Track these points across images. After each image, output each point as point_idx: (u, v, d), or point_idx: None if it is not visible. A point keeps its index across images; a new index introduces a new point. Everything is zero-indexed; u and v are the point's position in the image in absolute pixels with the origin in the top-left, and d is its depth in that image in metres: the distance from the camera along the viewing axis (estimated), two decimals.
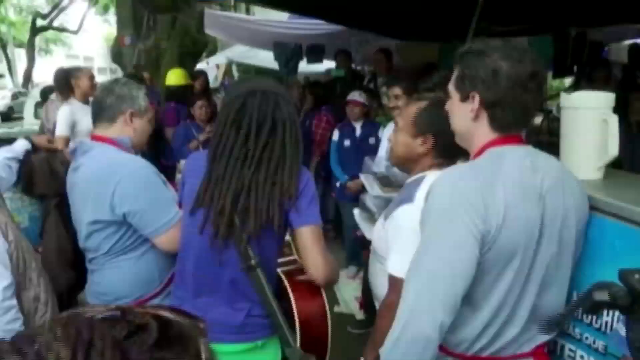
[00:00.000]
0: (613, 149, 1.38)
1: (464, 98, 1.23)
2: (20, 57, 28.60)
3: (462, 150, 1.53)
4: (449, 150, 1.55)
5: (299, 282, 1.49)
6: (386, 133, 3.27)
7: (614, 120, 1.37)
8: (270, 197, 1.41)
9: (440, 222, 1.15)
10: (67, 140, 3.50)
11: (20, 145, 2.20)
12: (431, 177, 1.53)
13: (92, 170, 1.74)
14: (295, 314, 1.46)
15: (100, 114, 1.84)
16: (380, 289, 1.61)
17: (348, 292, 3.99)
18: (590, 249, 1.27)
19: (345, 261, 4.38)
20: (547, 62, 5.69)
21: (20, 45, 28.55)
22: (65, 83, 3.62)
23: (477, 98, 1.20)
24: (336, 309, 3.83)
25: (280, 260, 1.59)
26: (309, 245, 1.43)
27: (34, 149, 2.24)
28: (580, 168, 1.41)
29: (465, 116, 1.24)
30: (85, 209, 1.77)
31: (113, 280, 1.80)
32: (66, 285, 2.19)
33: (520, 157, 1.20)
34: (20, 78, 26.54)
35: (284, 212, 1.43)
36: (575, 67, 5.58)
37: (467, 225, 1.10)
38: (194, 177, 1.49)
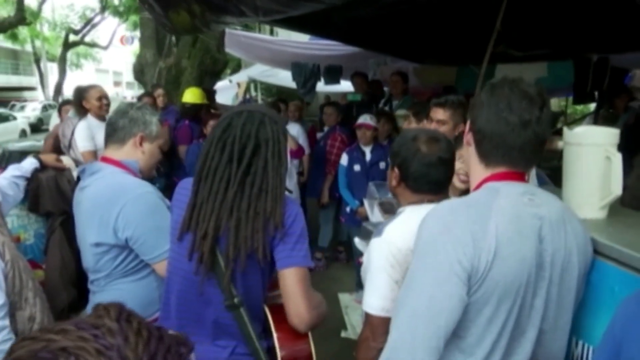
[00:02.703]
0: (617, 188, 1.32)
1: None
2: (52, 70, 29.61)
3: (434, 188, 1.52)
4: (416, 185, 1.52)
5: (285, 320, 1.41)
6: None
7: (617, 158, 1.31)
8: (254, 226, 1.35)
9: (424, 257, 1.11)
10: (94, 154, 3.58)
11: (29, 164, 2.23)
12: (407, 213, 1.52)
13: (99, 192, 1.76)
14: (279, 357, 1.40)
15: (112, 135, 1.86)
16: None
17: (356, 317, 3.92)
18: (589, 292, 1.22)
19: (355, 285, 4.32)
20: (567, 88, 5.61)
21: (52, 60, 29.56)
22: (79, 101, 3.70)
23: (468, 123, 1.23)
24: (343, 334, 3.77)
25: (275, 292, 1.53)
26: (292, 290, 1.35)
27: (42, 166, 2.27)
28: (583, 207, 1.36)
29: (465, 143, 1.26)
30: (89, 230, 1.77)
31: None
32: (68, 304, 2.21)
33: (517, 193, 1.16)
34: (51, 91, 27.40)
35: (270, 245, 1.38)
36: (596, 93, 5.47)
37: (451, 261, 1.06)
38: (180, 208, 1.46)
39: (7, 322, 1.57)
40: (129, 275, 1.77)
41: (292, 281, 1.36)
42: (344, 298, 4.32)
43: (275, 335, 1.42)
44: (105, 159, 1.84)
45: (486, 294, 1.08)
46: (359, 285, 4.25)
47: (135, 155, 1.85)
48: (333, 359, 3.16)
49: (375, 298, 1.41)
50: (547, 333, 1.14)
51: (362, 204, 4.08)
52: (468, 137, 1.23)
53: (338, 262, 5.16)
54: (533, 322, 1.13)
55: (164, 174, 4.43)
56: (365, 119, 4.12)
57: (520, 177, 1.20)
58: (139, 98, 4.94)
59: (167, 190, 4.32)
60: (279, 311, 1.44)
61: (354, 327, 3.83)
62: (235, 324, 1.40)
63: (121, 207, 1.67)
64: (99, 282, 1.81)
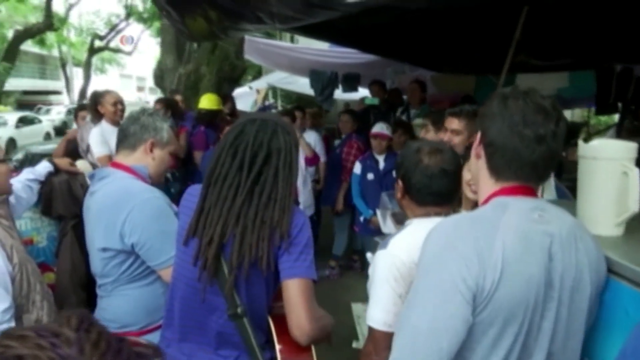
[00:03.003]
0: (634, 204, 1.27)
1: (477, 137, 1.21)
2: (77, 75, 30.23)
3: (437, 200, 1.49)
4: (419, 197, 1.51)
5: (289, 332, 1.38)
6: None
7: (635, 173, 1.26)
8: (260, 235, 1.34)
9: (427, 274, 1.07)
10: (109, 158, 3.62)
11: (43, 167, 2.27)
12: (413, 225, 1.50)
13: (106, 197, 1.77)
14: None
15: (123, 141, 1.87)
16: None
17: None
18: (602, 313, 1.16)
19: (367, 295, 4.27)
20: (589, 98, 5.49)
21: (78, 65, 30.20)
22: (96, 106, 3.75)
23: (479, 135, 1.17)
24: (354, 344, 3.70)
25: (281, 303, 1.51)
26: (294, 301, 1.33)
27: (56, 170, 2.30)
28: (597, 223, 1.30)
29: (474, 156, 1.21)
30: (97, 235, 1.79)
31: (120, 308, 1.80)
32: (77, 306, 2.22)
33: (527, 209, 1.11)
34: (76, 95, 27.97)
35: (274, 255, 1.36)
36: (619, 104, 5.34)
37: (455, 280, 1.02)
38: (187, 215, 1.45)
39: (12, 324, 1.58)
40: (136, 281, 1.77)
41: (294, 292, 1.34)
42: (357, 308, 4.25)
43: (277, 347, 1.40)
44: (115, 164, 1.85)
45: (492, 314, 1.03)
46: None
47: (146, 161, 1.86)
48: None
49: (377, 311, 1.39)
50: (555, 355, 1.09)
51: (375, 213, 4.06)
52: (478, 150, 1.19)
53: (352, 271, 5.11)
54: (541, 345, 1.08)
55: (180, 179, 4.46)
56: (382, 128, 4.08)
57: (531, 192, 1.16)
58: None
59: (182, 196, 4.35)
60: (283, 322, 1.42)
61: (365, 338, 3.78)
62: (238, 333, 1.38)
63: (128, 212, 1.68)
64: (106, 287, 1.81)
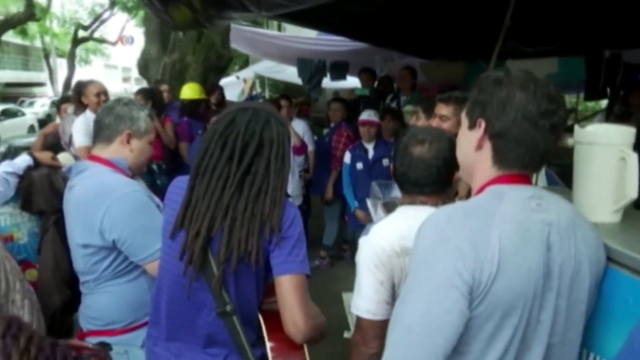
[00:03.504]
0: (632, 191, 1.23)
1: (472, 125, 1.13)
2: (61, 66, 29.74)
3: (414, 189, 1.48)
4: (400, 184, 1.52)
5: (280, 328, 1.34)
6: None
7: (633, 158, 1.22)
8: (250, 229, 1.28)
9: (420, 269, 1.03)
10: (89, 150, 3.51)
11: (22, 161, 2.18)
12: (397, 213, 1.50)
13: (84, 192, 1.70)
14: None
15: (99, 133, 1.80)
16: None
17: None
18: (601, 302, 1.13)
19: None
20: (578, 84, 5.48)
21: (61, 55, 29.70)
22: (79, 96, 3.64)
23: (482, 125, 1.10)
24: (346, 334, 3.68)
25: (271, 299, 1.45)
26: (288, 297, 1.28)
27: (36, 164, 2.22)
28: (594, 210, 1.27)
29: (469, 145, 1.14)
30: (76, 232, 1.73)
31: (103, 305, 1.75)
32: (61, 304, 2.15)
33: (524, 197, 1.07)
34: (60, 87, 27.54)
35: (264, 249, 1.31)
36: (608, 90, 5.34)
37: (449, 274, 0.98)
38: (172, 208, 1.39)
39: None
40: (119, 277, 1.71)
41: (288, 288, 1.29)
42: (348, 298, 4.23)
43: (268, 344, 1.36)
44: (93, 157, 1.79)
45: (489, 308, 1.00)
46: None
47: (123, 153, 1.79)
48: (336, 359, 3.10)
49: (361, 299, 1.37)
50: (555, 347, 1.06)
51: (361, 204, 4.03)
52: (481, 141, 1.11)
53: (343, 261, 5.09)
54: (539, 337, 1.05)
55: (167, 171, 4.38)
56: (369, 115, 4.03)
57: (528, 179, 1.12)
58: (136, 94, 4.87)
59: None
60: (274, 319, 1.37)
61: None
62: (228, 332, 1.34)
63: (106, 207, 1.61)
64: (88, 284, 1.76)
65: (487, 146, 1.11)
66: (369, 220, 4.35)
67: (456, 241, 1.00)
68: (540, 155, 1.09)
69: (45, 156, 2.27)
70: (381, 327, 1.33)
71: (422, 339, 0.98)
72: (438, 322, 0.98)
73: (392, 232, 1.40)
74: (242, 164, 1.31)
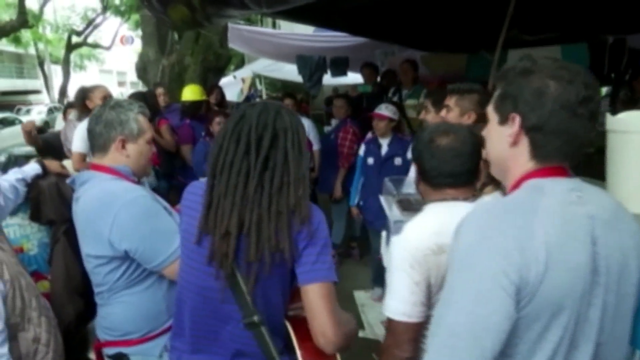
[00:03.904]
0: None
1: (503, 120, 1.08)
2: (56, 73, 29.62)
3: (451, 182, 1.44)
4: (432, 179, 1.47)
5: (309, 337, 1.28)
6: None
7: None
8: (278, 224, 1.22)
9: (463, 270, 0.98)
10: (83, 157, 3.45)
11: (31, 169, 2.13)
12: (428, 210, 1.46)
13: (89, 203, 1.65)
14: None
15: (94, 144, 1.74)
16: None
17: (373, 316, 3.81)
18: None
19: (371, 282, 4.21)
20: None
21: (56, 62, 29.58)
22: (82, 102, 3.57)
23: (517, 120, 1.05)
24: (360, 333, 3.66)
25: (296, 305, 1.40)
26: (316, 307, 1.22)
27: (45, 173, 2.17)
28: (631, 200, 1.23)
29: (502, 141, 1.09)
30: (86, 243, 1.68)
31: (119, 317, 1.70)
32: (74, 315, 2.11)
33: (564, 190, 1.03)
34: (56, 94, 27.43)
35: (296, 243, 1.24)
36: (612, 76, 5.29)
37: (495, 274, 0.93)
38: (190, 216, 1.33)
39: (5, 349, 1.45)
40: (132, 286, 1.67)
41: (315, 298, 1.23)
42: (360, 296, 4.21)
43: (299, 352, 1.31)
44: (95, 167, 1.73)
45: (537, 308, 0.95)
46: (375, 282, 4.14)
47: (121, 160, 1.72)
48: (351, 359, 3.07)
49: (395, 301, 1.33)
50: (604, 345, 1.02)
51: (365, 202, 3.98)
52: (516, 137, 1.06)
53: (351, 259, 5.05)
54: (588, 336, 1.00)
55: (163, 175, 4.31)
56: (380, 108, 3.93)
57: (566, 171, 1.07)
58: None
59: (171, 192, 4.21)
60: (302, 326, 1.32)
61: (371, 326, 3.73)
62: (256, 343, 1.28)
63: (113, 217, 1.56)
64: (102, 295, 1.72)
65: (524, 141, 1.06)
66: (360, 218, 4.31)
67: (499, 239, 0.95)
68: (580, 145, 1.04)
69: (54, 165, 2.22)
70: (415, 330, 1.29)
71: (468, 343, 0.94)
72: (484, 324, 0.93)
73: (426, 230, 1.36)
74: (259, 156, 1.25)
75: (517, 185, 1.08)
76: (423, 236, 1.35)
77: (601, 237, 1.00)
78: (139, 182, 1.83)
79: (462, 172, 1.44)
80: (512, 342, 0.98)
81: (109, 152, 1.72)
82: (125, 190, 1.63)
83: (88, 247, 1.66)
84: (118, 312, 1.69)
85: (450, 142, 1.44)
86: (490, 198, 1.55)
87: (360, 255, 5.04)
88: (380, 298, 4.10)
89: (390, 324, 1.34)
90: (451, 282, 1.00)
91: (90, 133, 1.73)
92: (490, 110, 1.14)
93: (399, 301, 1.32)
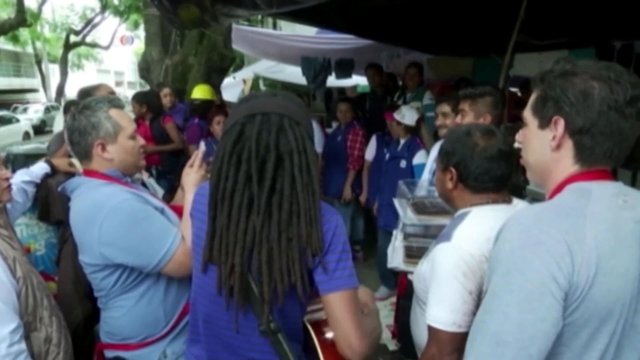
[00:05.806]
0: None
1: (544, 124, 1.04)
2: (53, 72, 29.55)
3: (497, 185, 1.40)
4: (477, 183, 1.41)
5: (331, 340, 1.24)
6: (432, 154, 3.08)
7: None
8: (289, 256, 1.14)
9: (508, 275, 0.94)
10: (70, 162, 3.38)
11: (39, 169, 2.09)
12: (475, 214, 1.39)
13: (77, 213, 1.59)
14: None
15: (75, 153, 1.67)
16: (422, 338, 1.43)
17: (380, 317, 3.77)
18: None
19: (376, 282, 4.19)
20: None
21: (54, 61, 29.51)
22: None
23: (561, 124, 1.01)
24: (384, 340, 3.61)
25: (315, 306, 1.36)
26: (339, 317, 1.15)
27: (53, 172, 2.12)
28: None
29: (543, 146, 1.05)
30: (81, 251, 1.63)
31: (117, 321, 1.67)
32: (83, 316, 2.07)
33: (610, 194, 0.99)
34: (53, 93, 27.34)
35: (308, 272, 1.17)
36: None
37: (543, 279, 0.90)
38: (200, 220, 1.28)
39: (23, 345, 1.42)
40: (127, 292, 1.62)
41: (338, 307, 1.16)
42: None
43: (321, 357, 1.26)
44: (86, 172, 1.67)
45: (585, 314, 0.92)
46: (382, 281, 4.12)
47: (106, 164, 1.64)
48: None
49: (444, 311, 1.27)
50: None
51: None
52: (560, 140, 1.02)
53: (355, 262, 5.01)
54: (633, 344, 0.97)
55: (164, 173, 4.28)
56: (399, 111, 3.91)
57: (610, 175, 1.04)
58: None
59: (173, 191, 4.16)
60: (322, 329, 1.28)
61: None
62: (273, 350, 1.23)
63: (99, 228, 1.49)
64: (101, 299, 1.69)
65: (568, 145, 1.02)
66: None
67: (549, 243, 0.91)
68: (628, 147, 1.01)
69: (63, 163, 2.18)
70: (463, 339, 1.25)
71: (513, 351, 0.90)
72: (531, 331, 0.90)
73: (479, 236, 1.30)
74: (263, 183, 1.14)
75: (559, 189, 1.04)
76: (476, 242, 1.29)
77: None
78: (132, 181, 1.77)
79: (509, 174, 1.42)
80: (558, 350, 0.94)
81: (92, 158, 1.64)
82: (108, 198, 1.54)
83: (83, 254, 1.62)
84: (116, 317, 1.66)
85: (495, 143, 1.41)
86: (523, 204, 1.51)
87: (364, 257, 5.01)
88: (386, 297, 4.09)
89: (436, 333, 1.28)
90: (493, 287, 0.96)
91: (70, 143, 1.66)
92: (528, 114, 1.10)
93: (450, 311, 1.26)
